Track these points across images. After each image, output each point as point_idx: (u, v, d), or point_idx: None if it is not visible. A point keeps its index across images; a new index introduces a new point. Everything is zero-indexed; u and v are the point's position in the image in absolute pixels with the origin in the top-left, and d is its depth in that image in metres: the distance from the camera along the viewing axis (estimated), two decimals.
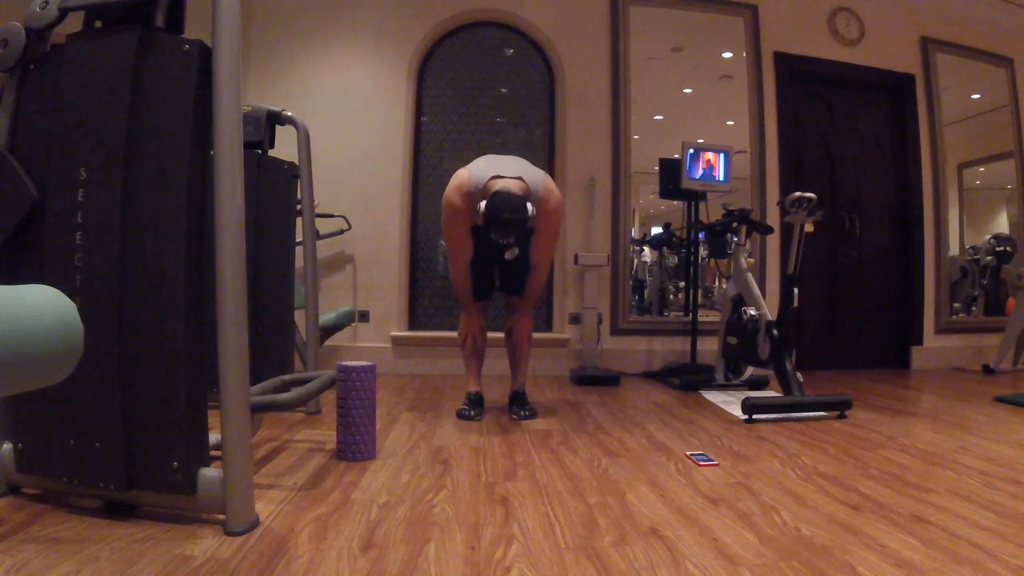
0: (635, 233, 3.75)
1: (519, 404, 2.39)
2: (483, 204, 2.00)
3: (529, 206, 2.00)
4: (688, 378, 3.02)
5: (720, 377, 3.00)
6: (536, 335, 2.74)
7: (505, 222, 1.94)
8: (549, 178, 2.20)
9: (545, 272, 2.32)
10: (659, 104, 3.76)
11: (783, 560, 1.10)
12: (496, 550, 1.13)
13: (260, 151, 2.26)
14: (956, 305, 4.13)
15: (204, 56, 1.22)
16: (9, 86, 1.32)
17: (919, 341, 3.93)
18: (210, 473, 1.21)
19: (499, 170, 2.12)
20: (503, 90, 3.67)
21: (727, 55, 3.77)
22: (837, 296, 3.91)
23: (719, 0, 3.73)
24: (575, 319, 3.49)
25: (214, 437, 1.27)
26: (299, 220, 2.45)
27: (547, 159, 3.63)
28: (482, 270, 2.33)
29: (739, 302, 2.83)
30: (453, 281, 2.35)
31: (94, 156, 1.22)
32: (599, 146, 3.58)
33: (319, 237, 3.11)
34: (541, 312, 3.57)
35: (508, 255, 2.06)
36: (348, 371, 1.73)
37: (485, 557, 1.10)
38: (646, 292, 3.87)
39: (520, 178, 2.11)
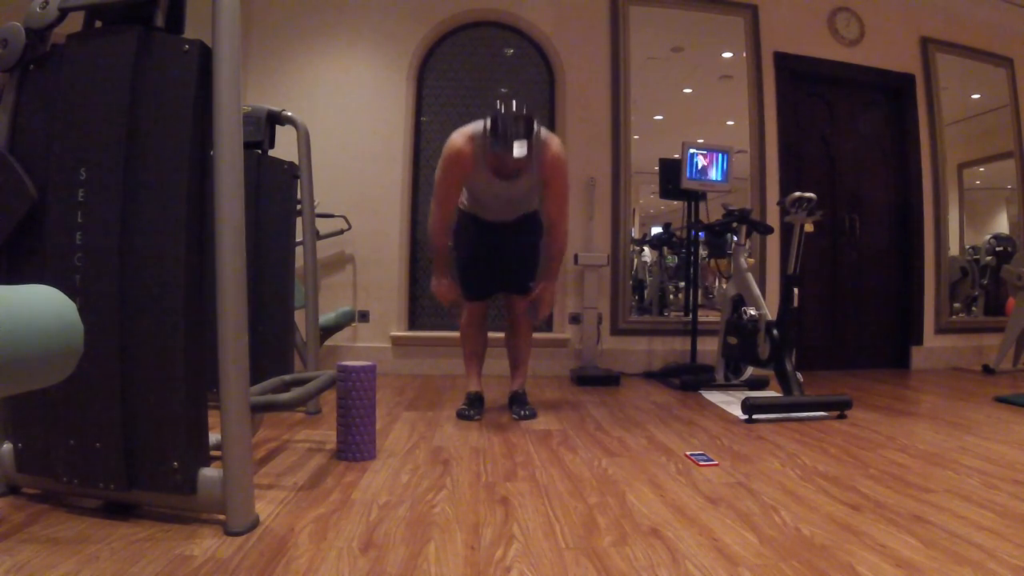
0: (635, 233, 3.75)
1: (519, 404, 2.39)
2: (488, 119, 2.00)
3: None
4: (688, 378, 3.02)
5: (720, 377, 3.00)
6: (536, 335, 2.74)
7: (510, 116, 1.93)
8: (546, 129, 2.20)
9: (564, 226, 2.26)
10: (659, 104, 3.77)
11: (783, 560, 1.10)
12: (496, 550, 1.13)
13: (260, 151, 2.26)
14: (956, 305, 4.13)
15: (204, 56, 1.21)
16: (9, 86, 1.32)
17: (919, 341, 3.93)
18: (210, 473, 1.21)
19: None
20: (503, 90, 3.66)
21: (727, 55, 3.77)
22: (837, 296, 3.91)
23: (719, 0, 3.73)
24: (575, 319, 3.49)
25: (214, 437, 1.27)
26: (299, 220, 2.45)
27: None
28: (481, 265, 2.32)
29: (739, 302, 2.83)
30: (430, 229, 2.27)
31: (94, 156, 1.21)
32: (599, 146, 3.58)
33: (319, 237, 3.11)
34: None
35: (517, 151, 1.95)
36: (348, 371, 1.73)
37: (485, 557, 1.10)
38: (646, 292, 3.88)
39: None
